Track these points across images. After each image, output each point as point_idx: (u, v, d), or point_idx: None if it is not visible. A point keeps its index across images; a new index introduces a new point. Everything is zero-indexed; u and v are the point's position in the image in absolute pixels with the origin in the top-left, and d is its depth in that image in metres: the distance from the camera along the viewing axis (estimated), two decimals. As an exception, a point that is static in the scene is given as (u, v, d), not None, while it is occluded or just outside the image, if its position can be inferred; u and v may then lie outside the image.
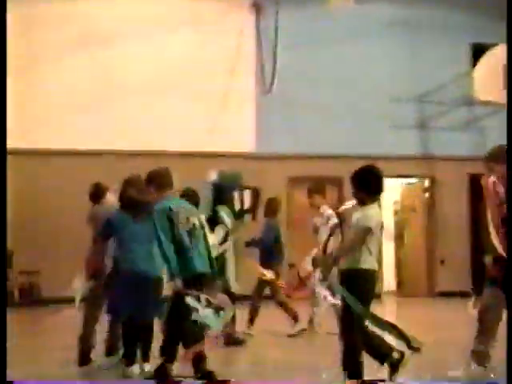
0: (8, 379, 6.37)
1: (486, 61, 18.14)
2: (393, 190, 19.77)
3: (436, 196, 19.40)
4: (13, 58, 14.90)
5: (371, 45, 18.99)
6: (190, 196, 9.25)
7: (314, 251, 10.99)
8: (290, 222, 17.67)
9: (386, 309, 17.39)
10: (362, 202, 7.37)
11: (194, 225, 7.70)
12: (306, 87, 18.50)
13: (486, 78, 18.16)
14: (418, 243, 19.40)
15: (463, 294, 18.53)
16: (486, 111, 19.22)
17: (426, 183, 19.69)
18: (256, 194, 11.67)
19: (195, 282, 7.47)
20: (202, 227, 7.90)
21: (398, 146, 18.77)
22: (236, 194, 10.96)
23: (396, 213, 20.50)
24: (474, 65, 18.59)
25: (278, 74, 18.18)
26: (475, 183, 18.53)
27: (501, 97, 18.25)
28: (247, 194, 11.28)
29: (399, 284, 20.08)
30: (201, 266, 7.62)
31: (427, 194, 19.66)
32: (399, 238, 20.14)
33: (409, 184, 20.11)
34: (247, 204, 11.25)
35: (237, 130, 18.07)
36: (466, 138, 19.31)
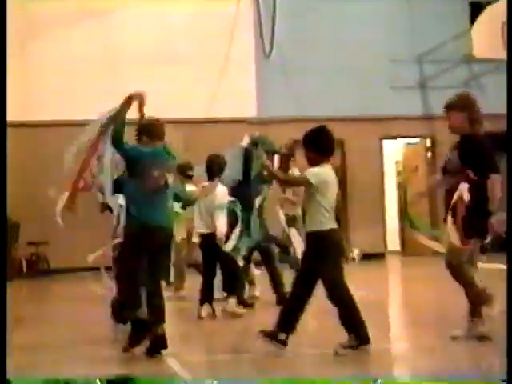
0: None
1: (484, 18, 18.10)
2: (394, 150, 19.87)
3: (438, 155, 19.47)
4: (10, 30, 14.91)
5: (369, 5, 18.98)
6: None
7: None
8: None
9: (390, 268, 17.58)
10: (313, 163, 7.35)
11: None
12: (305, 50, 18.52)
13: (485, 36, 18.14)
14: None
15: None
16: (485, 68, 19.24)
17: (428, 143, 19.75)
18: (286, 158, 11.89)
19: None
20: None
21: (398, 107, 18.82)
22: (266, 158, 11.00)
23: (398, 173, 20.59)
24: (473, 22, 18.57)
25: (276, 38, 18.22)
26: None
27: (500, 54, 18.26)
28: (277, 158, 11.44)
29: (403, 243, 20.20)
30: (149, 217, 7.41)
31: (429, 154, 19.73)
32: (402, 197, 20.24)
33: (410, 144, 20.18)
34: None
35: (238, 95, 18.11)
36: (465, 97, 19.33)
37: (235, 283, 9.95)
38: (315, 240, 7.22)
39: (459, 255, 7.49)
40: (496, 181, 7.46)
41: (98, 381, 5.57)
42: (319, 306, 7.66)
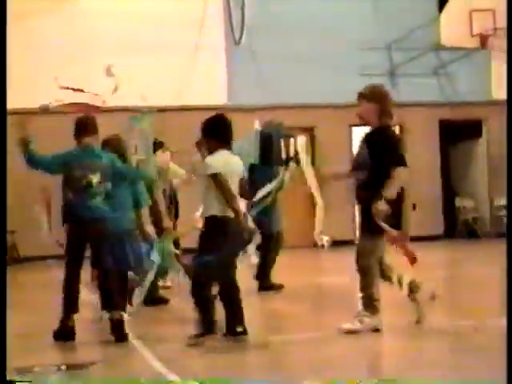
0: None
1: (452, 6, 18.24)
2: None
3: (407, 142, 19.60)
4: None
5: (339, -7, 19.06)
6: (112, 146, 8.93)
7: None
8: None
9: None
10: (211, 151, 7.57)
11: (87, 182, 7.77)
12: (275, 37, 18.56)
13: (453, 24, 18.29)
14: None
15: (435, 238, 18.93)
16: (453, 57, 19.40)
17: (397, 130, 19.88)
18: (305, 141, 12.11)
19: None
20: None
21: (367, 94, 18.89)
22: (281, 142, 11.31)
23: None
24: (441, 10, 18.69)
25: (246, 25, 18.24)
26: (445, 128, 18.83)
27: (467, 42, 18.43)
28: (292, 142, 11.53)
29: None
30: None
31: (398, 141, 19.84)
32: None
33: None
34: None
35: (208, 82, 18.14)
36: (434, 84, 19.52)
37: None
38: (208, 224, 7.30)
39: (366, 249, 7.54)
40: (399, 174, 7.43)
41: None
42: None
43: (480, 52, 19.06)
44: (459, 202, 20.22)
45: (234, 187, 7.41)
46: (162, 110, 17.64)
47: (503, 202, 19.97)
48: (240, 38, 18.25)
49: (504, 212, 20.10)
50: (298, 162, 11.18)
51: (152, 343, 7.38)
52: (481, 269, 12.89)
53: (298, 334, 7.81)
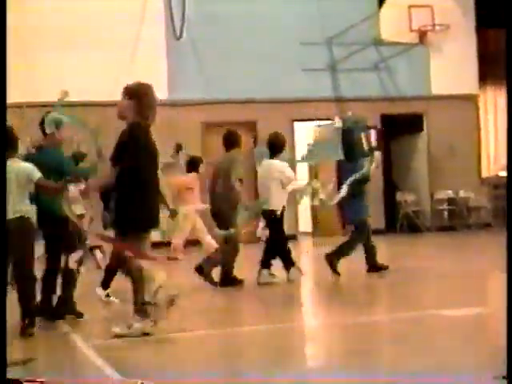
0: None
1: (392, 1, 18.41)
2: (306, 132, 20.05)
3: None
4: None
5: (279, -11, 19.09)
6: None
7: None
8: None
9: (302, 249, 17.79)
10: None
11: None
12: (216, 32, 18.53)
13: (393, 19, 18.46)
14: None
15: (376, 232, 19.05)
16: (393, 51, 19.57)
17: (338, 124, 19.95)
18: (381, 133, 12.55)
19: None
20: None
21: (309, 89, 19.00)
22: (362, 135, 11.69)
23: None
24: (381, 5, 18.85)
25: (187, 20, 18.16)
26: (386, 123, 18.99)
27: (406, 37, 18.62)
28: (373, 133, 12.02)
29: (314, 225, 20.44)
30: None
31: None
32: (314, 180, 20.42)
33: (321, 126, 20.38)
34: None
35: (148, 77, 17.89)
36: (375, 79, 19.67)
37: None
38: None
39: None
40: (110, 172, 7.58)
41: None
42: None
43: (419, 47, 19.26)
44: (400, 196, 20.40)
45: None
46: (104, 105, 17.58)
47: (443, 195, 20.21)
48: (181, 32, 18.17)
49: (444, 206, 20.36)
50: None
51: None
52: (421, 262, 13.05)
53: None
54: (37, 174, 7.68)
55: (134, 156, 7.39)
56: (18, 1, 17.35)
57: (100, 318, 8.94)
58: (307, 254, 15.22)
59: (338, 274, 11.12)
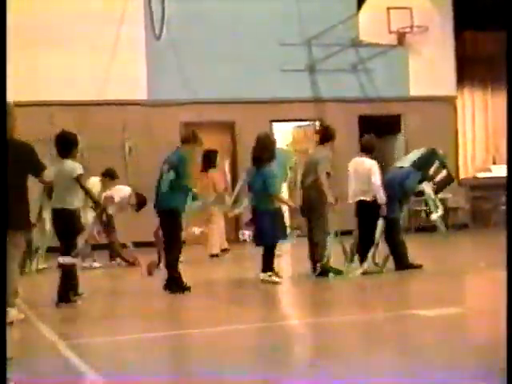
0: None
1: (370, 3, 18.46)
2: (285, 133, 20.12)
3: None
4: None
5: (259, -11, 19.12)
6: None
7: None
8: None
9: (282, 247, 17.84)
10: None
11: None
12: (196, 33, 18.52)
13: (371, 20, 18.52)
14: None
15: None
16: (371, 53, 19.66)
17: (317, 125, 20.04)
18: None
19: None
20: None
21: (288, 90, 19.04)
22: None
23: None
24: (360, 7, 18.90)
25: (166, 20, 18.16)
26: (364, 124, 19.06)
27: (384, 39, 18.69)
28: None
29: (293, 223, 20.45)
30: None
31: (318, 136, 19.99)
32: (292, 180, 20.46)
33: (299, 127, 20.46)
34: None
35: (128, 78, 18.00)
36: (353, 80, 19.75)
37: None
38: None
39: None
40: None
41: None
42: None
43: (397, 49, 19.34)
44: (378, 196, 20.43)
45: None
46: (83, 105, 17.58)
47: (421, 196, 20.25)
48: (160, 33, 18.16)
49: (422, 206, 20.44)
50: None
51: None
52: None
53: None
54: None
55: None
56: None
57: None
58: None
59: (418, 266, 11.56)
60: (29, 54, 17.34)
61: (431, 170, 12.06)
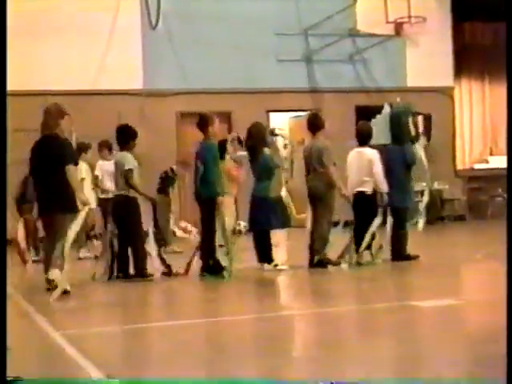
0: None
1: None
2: (281, 123, 20.04)
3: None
4: None
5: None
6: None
7: None
8: (180, 157, 17.77)
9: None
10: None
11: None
12: (192, 23, 18.45)
13: (369, 10, 18.45)
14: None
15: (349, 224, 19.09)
16: (369, 43, 19.58)
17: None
18: (428, 118, 12.90)
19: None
20: None
21: (284, 80, 18.98)
22: (410, 120, 12.09)
23: (285, 146, 20.72)
24: (357, -3, 18.84)
25: (162, 10, 18.07)
26: (361, 114, 18.99)
27: (382, 29, 18.62)
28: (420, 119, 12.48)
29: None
30: None
31: (315, 127, 19.93)
32: (288, 170, 20.40)
33: (296, 117, 20.37)
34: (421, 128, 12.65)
35: (124, 67, 17.92)
36: (350, 70, 19.68)
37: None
38: None
39: None
40: None
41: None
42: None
43: (395, 39, 19.28)
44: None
45: None
46: (78, 94, 17.49)
47: (418, 187, 20.21)
48: (156, 22, 18.08)
49: (419, 197, 20.37)
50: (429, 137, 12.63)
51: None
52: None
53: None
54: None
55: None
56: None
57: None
58: None
59: (415, 257, 11.53)
60: (23, 43, 17.25)
61: (411, 129, 11.95)
